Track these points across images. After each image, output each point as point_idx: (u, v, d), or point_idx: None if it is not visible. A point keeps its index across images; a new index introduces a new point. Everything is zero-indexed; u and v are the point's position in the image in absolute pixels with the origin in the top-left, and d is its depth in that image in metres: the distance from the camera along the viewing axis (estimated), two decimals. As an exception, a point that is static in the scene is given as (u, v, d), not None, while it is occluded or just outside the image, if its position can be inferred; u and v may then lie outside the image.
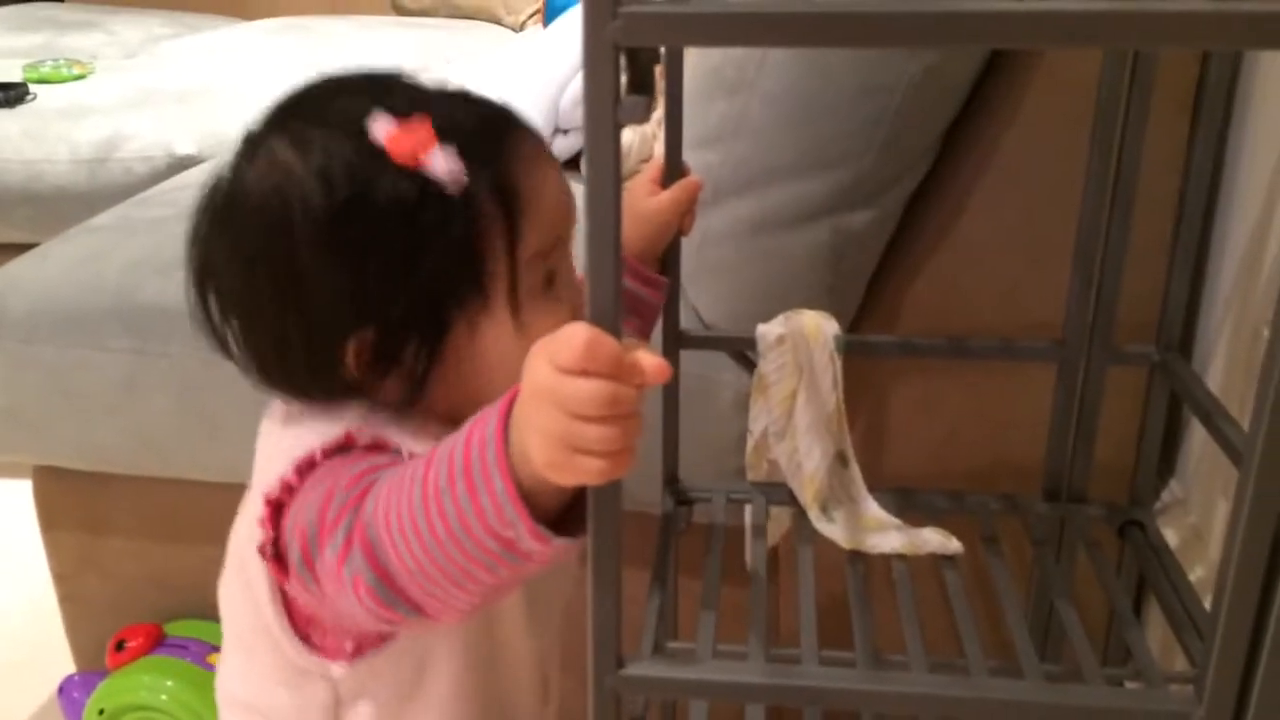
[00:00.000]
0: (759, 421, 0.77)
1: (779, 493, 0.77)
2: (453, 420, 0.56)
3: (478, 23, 2.56)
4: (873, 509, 0.76)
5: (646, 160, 1.15)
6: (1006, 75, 0.81)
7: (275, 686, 0.60)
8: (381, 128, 0.53)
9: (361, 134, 0.53)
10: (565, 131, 1.26)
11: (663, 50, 0.69)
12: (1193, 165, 0.72)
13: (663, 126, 0.74)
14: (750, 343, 0.75)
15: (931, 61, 0.77)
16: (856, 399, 0.77)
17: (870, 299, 0.87)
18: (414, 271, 0.54)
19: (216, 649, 1.06)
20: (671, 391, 0.78)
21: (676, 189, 0.72)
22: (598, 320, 0.44)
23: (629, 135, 1.15)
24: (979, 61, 0.80)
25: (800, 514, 0.75)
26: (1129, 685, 0.73)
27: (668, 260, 0.74)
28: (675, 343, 0.78)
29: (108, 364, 0.97)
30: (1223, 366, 0.81)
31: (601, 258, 0.42)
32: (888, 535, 0.72)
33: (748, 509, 0.78)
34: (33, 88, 1.88)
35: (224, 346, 0.58)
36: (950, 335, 0.80)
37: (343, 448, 0.54)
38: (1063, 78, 0.80)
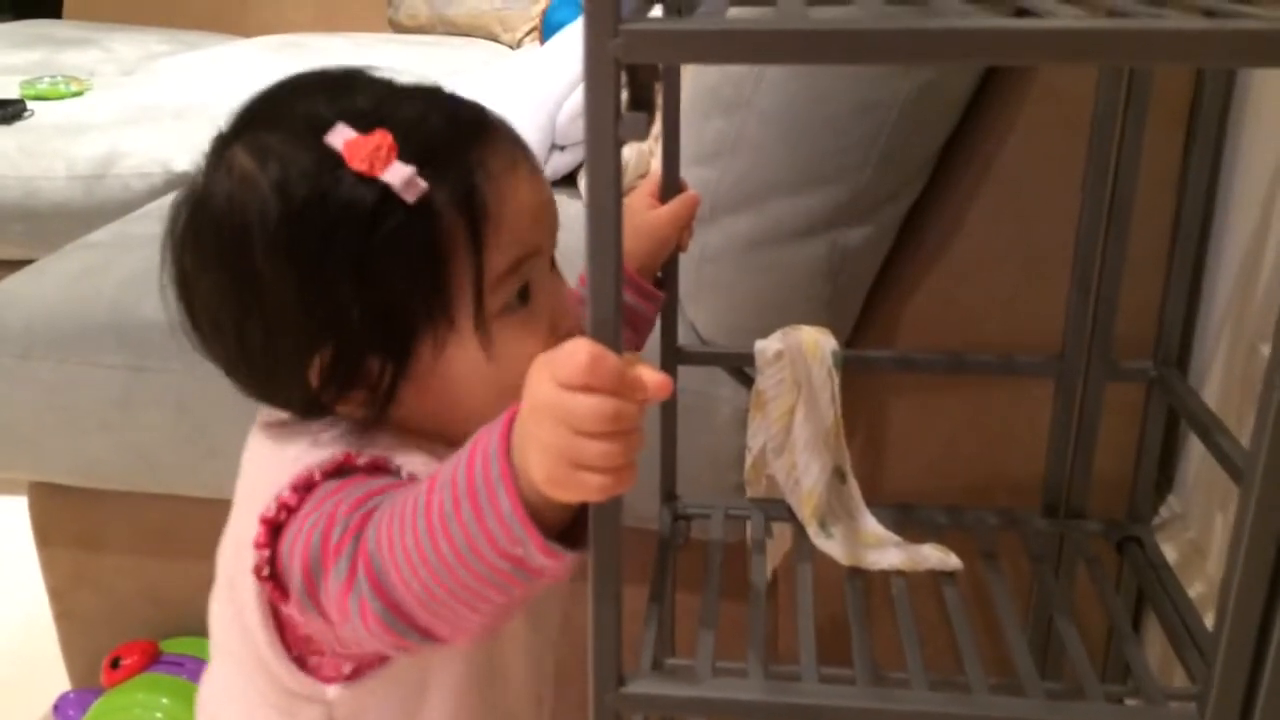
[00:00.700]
0: (757, 437, 0.77)
1: (778, 509, 0.77)
2: (441, 437, 0.56)
3: (474, 40, 2.56)
4: (871, 525, 0.75)
5: (644, 177, 1.15)
6: (1002, 91, 0.82)
7: (265, 709, 0.59)
8: (340, 136, 0.52)
9: (320, 142, 0.52)
10: (562, 148, 1.26)
11: (661, 67, 0.69)
12: (1188, 180, 0.73)
13: (660, 143, 0.74)
14: (748, 358, 0.75)
15: (927, 78, 0.78)
16: (854, 414, 0.77)
17: (867, 314, 0.88)
18: (372, 286, 0.53)
19: (212, 666, 1.06)
20: (669, 407, 0.78)
21: (675, 204, 0.72)
22: (598, 335, 0.43)
23: (626, 152, 1.16)
24: (975, 78, 0.81)
25: (799, 531, 0.75)
26: (1129, 702, 0.72)
27: (666, 276, 0.74)
28: (673, 358, 0.78)
29: (103, 380, 0.97)
30: (1219, 381, 0.81)
31: (602, 273, 0.42)
32: (886, 552, 0.72)
33: (749, 526, 0.78)
34: (30, 104, 1.88)
35: (206, 351, 0.58)
36: (948, 350, 0.80)
37: (341, 468, 0.53)
38: (1058, 93, 0.80)
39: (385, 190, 0.51)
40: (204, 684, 0.65)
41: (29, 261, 1.15)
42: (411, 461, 0.55)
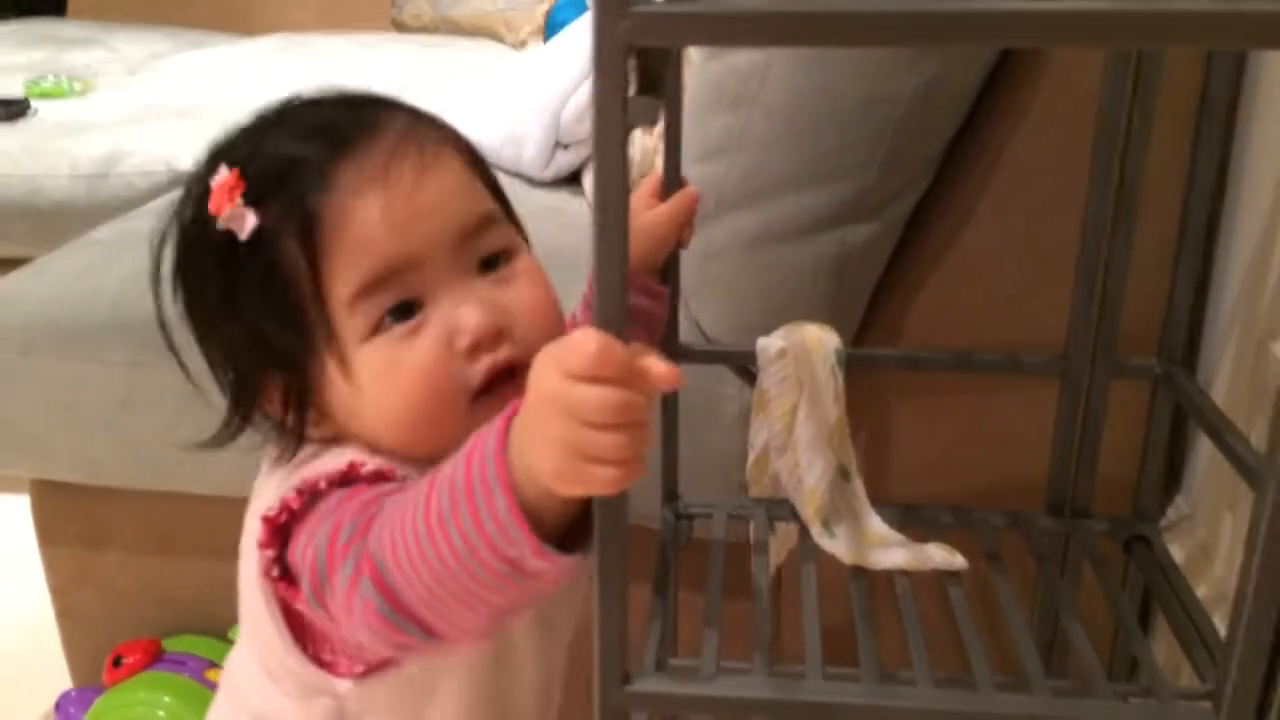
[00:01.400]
0: (760, 436, 0.76)
1: (781, 508, 0.77)
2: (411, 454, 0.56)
3: (477, 40, 2.56)
4: (875, 524, 0.75)
5: (647, 175, 1.14)
6: (1009, 87, 0.81)
7: (280, 696, 0.60)
8: (217, 178, 0.55)
9: (207, 185, 0.56)
10: (566, 146, 1.25)
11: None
12: (1196, 174, 0.72)
13: (663, 140, 0.73)
14: (752, 356, 0.75)
15: (935, 74, 0.77)
16: (858, 413, 0.76)
17: (872, 311, 0.87)
18: (241, 318, 0.56)
19: (214, 665, 1.05)
20: (671, 405, 0.77)
21: (674, 201, 0.71)
22: (605, 326, 0.43)
23: (630, 150, 1.15)
24: (982, 73, 0.80)
25: (803, 530, 0.75)
26: (1135, 701, 0.72)
27: (667, 273, 0.74)
28: (675, 356, 0.77)
29: (106, 378, 0.97)
30: (1227, 380, 0.80)
31: (609, 263, 0.42)
32: (891, 551, 0.71)
33: (754, 526, 0.77)
34: (34, 103, 1.88)
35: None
36: (952, 349, 0.80)
37: (347, 477, 0.54)
38: (1066, 89, 0.80)
39: (229, 234, 0.54)
40: (231, 658, 0.67)
41: (30, 259, 1.14)
42: (411, 472, 0.55)
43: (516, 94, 1.34)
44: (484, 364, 0.55)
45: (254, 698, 0.62)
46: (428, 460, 0.55)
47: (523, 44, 2.53)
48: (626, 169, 0.41)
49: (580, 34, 1.30)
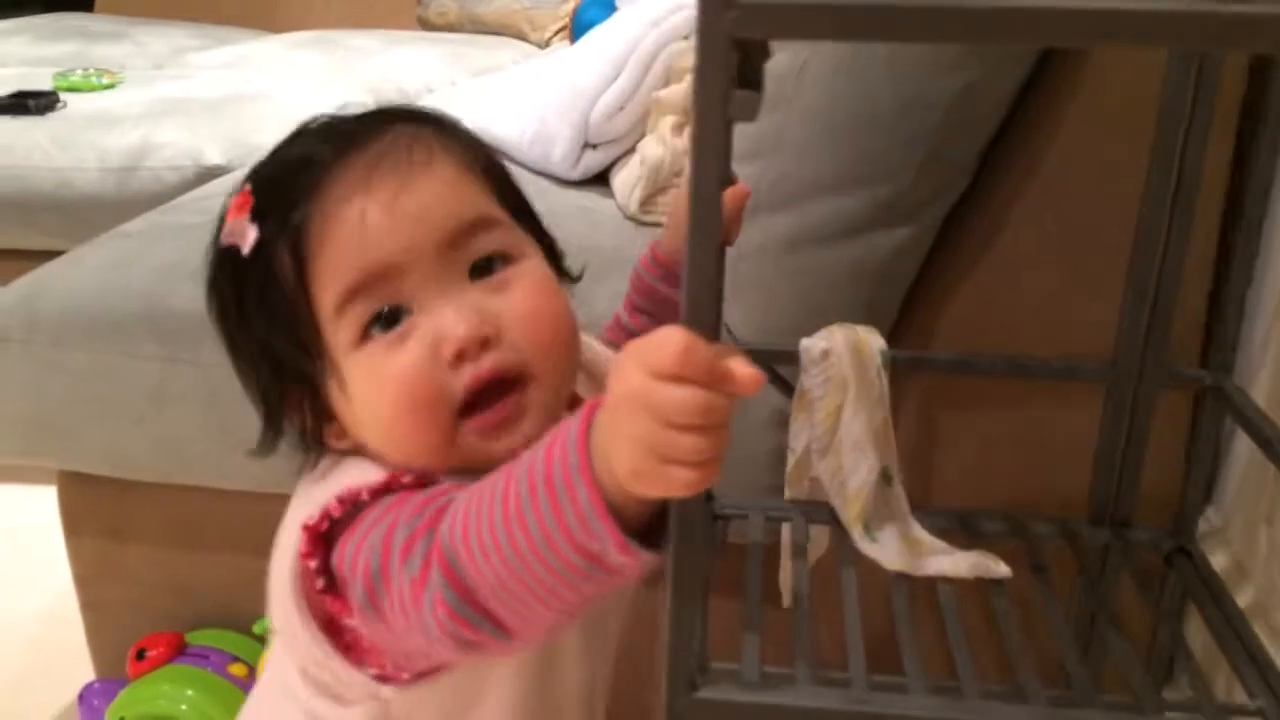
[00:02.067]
0: (800, 438, 0.75)
1: (818, 511, 0.76)
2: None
3: (502, 38, 2.56)
4: (916, 529, 0.74)
5: (678, 175, 1.14)
6: (1049, 90, 0.80)
7: (323, 699, 0.59)
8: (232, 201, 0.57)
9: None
10: (595, 146, 1.25)
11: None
12: (1247, 181, 0.71)
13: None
14: (785, 357, 0.74)
15: (974, 78, 0.76)
16: (896, 417, 0.75)
17: (905, 317, 0.86)
18: (252, 335, 0.57)
19: (237, 659, 1.05)
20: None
21: (725, 197, 0.70)
22: (694, 324, 0.41)
23: (659, 150, 1.14)
24: (1021, 78, 0.79)
25: (840, 534, 0.74)
26: (1180, 715, 0.70)
27: (711, 272, 0.73)
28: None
29: (136, 371, 0.96)
30: (1267, 388, 0.79)
31: (702, 259, 0.40)
32: (935, 558, 0.70)
33: (785, 528, 0.76)
34: (62, 96, 1.89)
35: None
36: (1001, 354, 0.79)
37: (389, 487, 0.53)
38: (1108, 92, 0.79)
39: (236, 249, 0.56)
40: (273, 656, 0.66)
41: (60, 252, 1.15)
42: (450, 481, 0.54)
43: (545, 93, 1.33)
44: (467, 372, 0.54)
45: (301, 695, 0.61)
46: (455, 474, 0.55)
47: (547, 42, 2.53)
48: (726, 167, 0.40)
49: (610, 34, 1.29)
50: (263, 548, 0.58)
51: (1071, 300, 0.83)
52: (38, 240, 1.68)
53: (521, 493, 0.44)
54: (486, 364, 0.54)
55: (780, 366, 0.81)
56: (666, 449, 0.39)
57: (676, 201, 0.73)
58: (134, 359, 0.97)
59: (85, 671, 1.13)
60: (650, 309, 0.72)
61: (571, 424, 0.43)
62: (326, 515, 0.52)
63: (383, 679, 0.55)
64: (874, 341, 0.72)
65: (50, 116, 1.81)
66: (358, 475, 0.55)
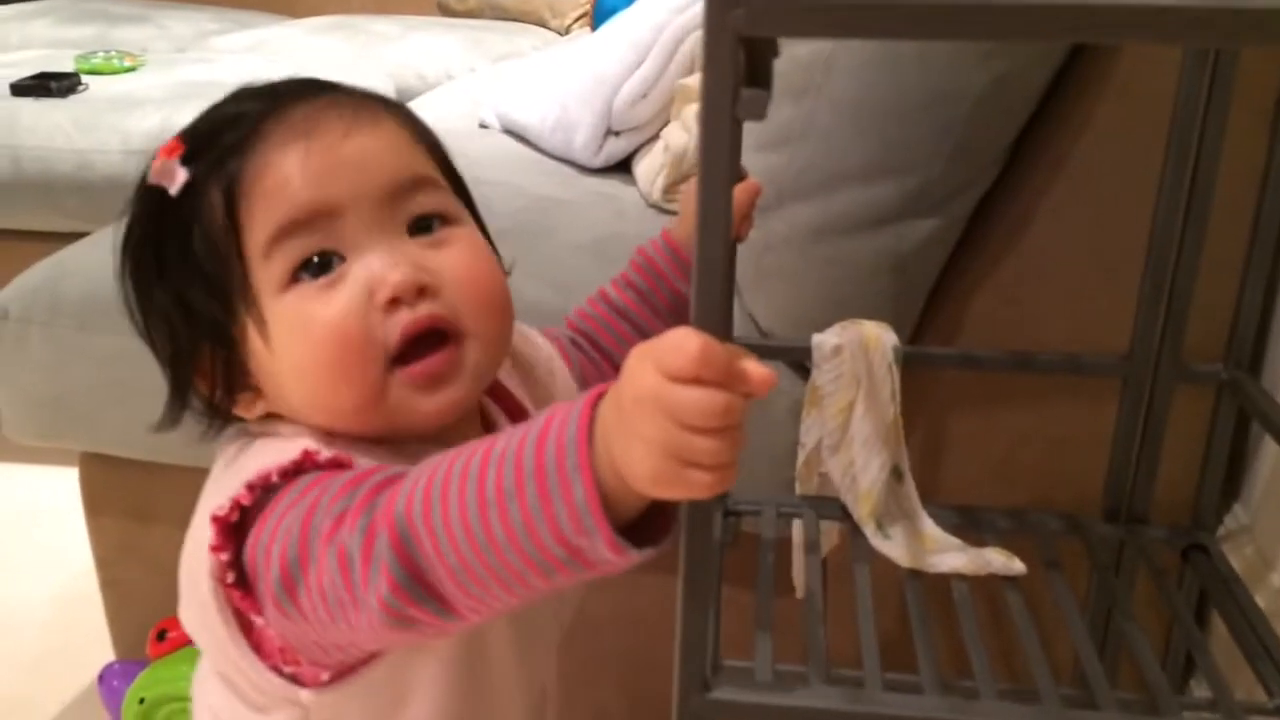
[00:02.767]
0: (811, 434, 0.75)
1: (830, 507, 0.76)
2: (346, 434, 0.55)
3: (523, 24, 2.56)
4: (929, 526, 0.74)
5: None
6: (1078, 84, 0.80)
7: (244, 709, 0.57)
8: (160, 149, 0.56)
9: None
10: (618, 133, 1.25)
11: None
12: (1271, 177, 0.70)
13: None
14: (806, 352, 0.74)
15: (1004, 70, 0.76)
16: (912, 412, 0.75)
17: (930, 308, 0.86)
18: (168, 286, 0.55)
19: (256, 642, 1.06)
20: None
21: (735, 192, 0.70)
22: (705, 324, 0.41)
23: (683, 137, 1.14)
24: (1051, 71, 0.79)
25: (852, 530, 0.74)
26: (1198, 714, 0.70)
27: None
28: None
29: (159, 354, 0.97)
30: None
31: (711, 258, 0.40)
32: (948, 554, 0.70)
33: (796, 524, 0.76)
34: (84, 78, 1.90)
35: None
36: (1012, 349, 0.78)
37: (301, 467, 0.51)
38: (1137, 86, 0.78)
39: (162, 190, 0.54)
40: (200, 666, 0.63)
41: (82, 234, 1.15)
42: (368, 461, 0.53)
43: (567, 80, 1.33)
44: (402, 320, 0.53)
45: (222, 710, 0.59)
46: (375, 443, 0.54)
47: (567, 29, 2.52)
48: (734, 166, 0.39)
49: (634, 20, 1.29)
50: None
51: (1095, 296, 0.83)
52: (60, 222, 1.69)
53: (505, 479, 0.42)
54: (423, 310, 0.53)
55: (805, 361, 0.81)
56: (684, 452, 0.39)
57: (689, 189, 0.73)
58: (155, 343, 0.97)
59: (105, 652, 1.15)
60: (645, 288, 0.72)
61: (570, 416, 0.42)
62: (236, 505, 0.50)
63: (299, 681, 0.53)
64: (886, 338, 0.72)
65: (72, 98, 1.82)
66: (268, 457, 0.52)
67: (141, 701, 1.03)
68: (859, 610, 0.64)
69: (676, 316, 0.72)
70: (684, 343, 0.39)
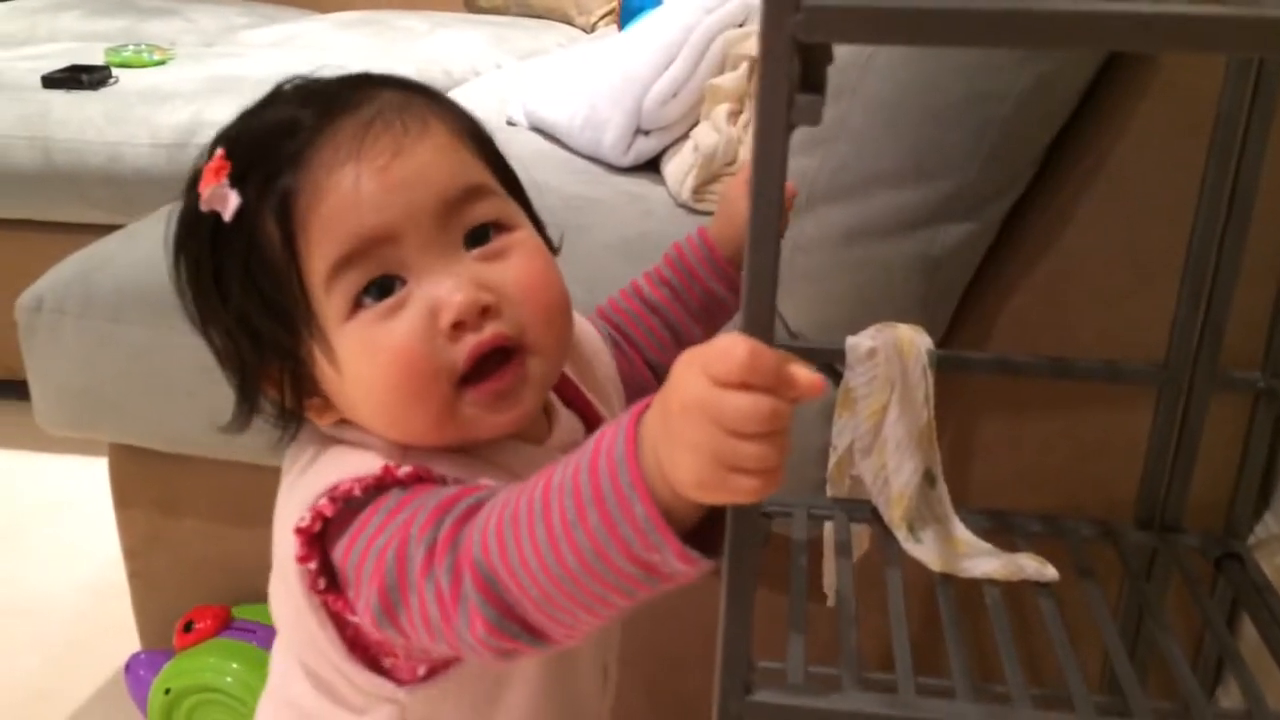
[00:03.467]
0: (843, 436, 0.75)
1: (861, 510, 0.76)
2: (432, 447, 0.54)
3: (549, 22, 2.56)
4: (960, 530, 0.74)
5: (730, 164, 1.13)
6: (1118, 87, 0.79)
7: (334, 706, 0.57)
8: (206, 166, 0.54)
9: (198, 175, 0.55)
10: (647, 133, 1.24)
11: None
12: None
13: (749, 130, 0.72)
14: (837, 355, 0.74)
15: (1043, 73, 0.75)
16: (944, 416, 0.75)
17: (962, 312, 0.85)
18: (229, 306, 0.55)
19: (282, 635, 1.06)
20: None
21: None
22: (753, 330, 0.41)
23: (713, 138, 1.14)
24: (1089, 75, 0.78)
25: (883, 534, 0.73)
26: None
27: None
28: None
29: (193, 346, 0.96)
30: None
31: (762, 263, 0.40)
32: (981, 559, 0.70)
33: (827, 526, 0.76)
34: (114, 71, 1.91)
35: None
36: (1047, 354, 0.78)
37: (381, 483, 0.51)
38: (1177, 90, 0.77)
39: (216, 216, 0.53)
40: (273, 662, 0.64)
41: (113, 226, 1.16)
42: (445, 468, 0.53)
43: (596, 78, 1.33)
44: (468, 344, 0.52)
45: (313, 712, 0.59)
46: (450, 451, 0.54)
47: (594, 26, 2.52)
48: (784, 172, 0.39)
49: (664, 20, 1.29)
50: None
51: (1130, 302, 0.82)
52: (90, 214, 1.71)
53: (567, 510, 0.43)
54: (489, 333, 0.53)
55: (837, 363, 0.81)
56: (731, 457, 0.39)
57: (727, 189, 0.72)
58: (187, 334, 0.96)
59: (132, 642, 1.16)
60: (678, 285, 0.71)
61: (616, 434, 0.42)
62: (319, 515, 0.51)
63: (395, 676, 0.54)
64: (920, 341, 0.71)
65: (102, 91, 1.83)
66: (347, 467, 0.53)
67: (167, 692, 1.04)
68: (891, 614, 0.64)
69: (708, 315, 0.72)
70: (733, 348, 0.39)
